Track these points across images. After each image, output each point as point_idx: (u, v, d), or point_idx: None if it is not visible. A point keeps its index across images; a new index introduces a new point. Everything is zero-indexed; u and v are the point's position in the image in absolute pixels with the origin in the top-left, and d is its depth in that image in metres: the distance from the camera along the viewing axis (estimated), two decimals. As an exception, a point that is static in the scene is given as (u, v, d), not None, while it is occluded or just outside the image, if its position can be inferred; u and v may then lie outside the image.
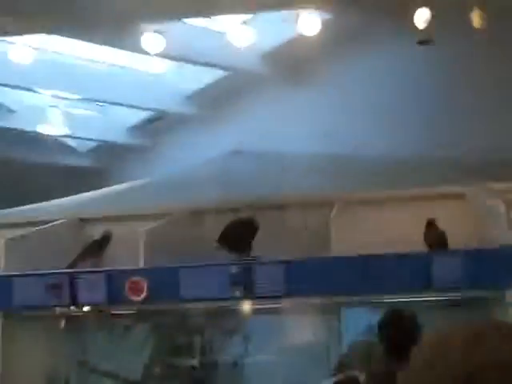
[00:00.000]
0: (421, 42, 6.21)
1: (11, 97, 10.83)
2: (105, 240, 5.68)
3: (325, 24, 8.82)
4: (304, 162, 7.94)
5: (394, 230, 5.20)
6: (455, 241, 4.92)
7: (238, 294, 4.82)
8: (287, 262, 4.80)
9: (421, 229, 5.08)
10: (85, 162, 13.84)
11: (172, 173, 9.23)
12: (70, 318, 5.43)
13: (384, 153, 8.56)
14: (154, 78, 11.72)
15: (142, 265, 5.19)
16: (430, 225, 4.94)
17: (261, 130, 10.60)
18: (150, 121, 12.54)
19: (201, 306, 5.12)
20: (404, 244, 4.82)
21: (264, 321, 5.31)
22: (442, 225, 5.17)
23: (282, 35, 10.00)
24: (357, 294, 4.73)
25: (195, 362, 5.27)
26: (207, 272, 4.97)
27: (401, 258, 4.71)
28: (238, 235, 5.21)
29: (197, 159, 9.51)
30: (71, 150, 13.45)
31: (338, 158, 8.20)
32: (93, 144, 13.31)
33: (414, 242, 4.89)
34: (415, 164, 7.29)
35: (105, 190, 8.10)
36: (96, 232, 5.83)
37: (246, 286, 4.83)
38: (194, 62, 9.95)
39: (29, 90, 9.94)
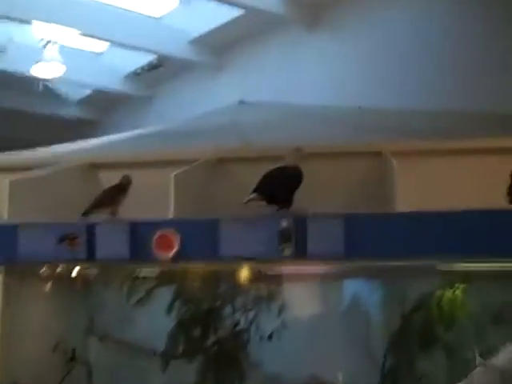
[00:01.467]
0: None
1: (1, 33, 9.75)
2: (124, 186, 4.78)
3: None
4: (320, 114, 7.37)
5: (467, 187, 4.56)
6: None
7: (288, 252, 4.05)
8: (349, 217, 4.03)
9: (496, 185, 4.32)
10: (76, 112, 12.91)
11: (179, 122, 8.33)
12: (85, 276, 4.53)
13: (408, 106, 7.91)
14: (155, 21, 10.71)
15: (171, 216, 4.41)
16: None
17: (272, 80, 9.94)
18: (149, 68, 11.53)
19: (243, 266, 4.38)
20: (480, 202, 4.07)
21: (319, 287, 4.44)
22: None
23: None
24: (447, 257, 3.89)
25: (227, 333, 4.36)
26: (251, 226, 4.21)
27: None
28: (281, 184, 4.51)
29: (199, 111, 8.89)
30: (62, 99, 12.46)
31: (352, 110, 7.46)
32: (86, 92, 12.34)
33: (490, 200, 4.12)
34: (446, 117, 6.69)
35: (111, 136, 7.17)
36: (108, 180, 5.06)
37: (298, 243, 4.08)
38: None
39: (26, 22, 8.80)
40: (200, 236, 4.21)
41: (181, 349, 4.55)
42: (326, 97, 8.94)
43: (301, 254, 4.06)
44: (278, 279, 4.54)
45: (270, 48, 10.20)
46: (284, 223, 4.12)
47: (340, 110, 7.89)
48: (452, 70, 8.41)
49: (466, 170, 4.68)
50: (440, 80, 8.35)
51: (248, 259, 4.17)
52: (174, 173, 4.54)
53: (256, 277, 4.48)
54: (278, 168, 4.68)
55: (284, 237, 4.09)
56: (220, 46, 10.72)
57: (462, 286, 4.36)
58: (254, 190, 4.56)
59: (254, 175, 4.63)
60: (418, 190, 4.38)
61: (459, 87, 8.22)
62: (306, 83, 9.74)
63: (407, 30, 8.81)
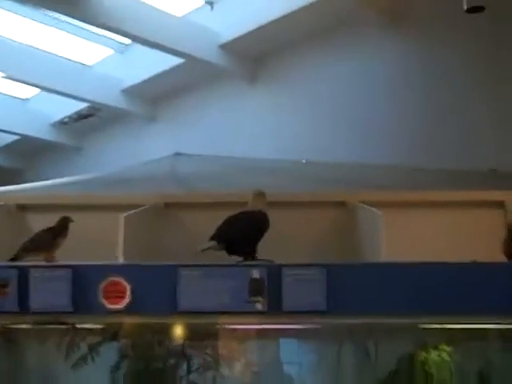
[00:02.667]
0: (470, 10, 5.02)
1: None
2: (61, 228, 4.13)
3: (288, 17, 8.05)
4: (260, 166, 7.08)
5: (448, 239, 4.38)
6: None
7: (259, 306, 3.59)
8: (331, 267, 3.61)
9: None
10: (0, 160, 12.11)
11: (112, 171, 7.84)
12: (16, 331, 3.76)
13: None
14: (87, 68, 10.14)
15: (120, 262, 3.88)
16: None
17: (209, 133, 9.59)
18: (78, 117, 10.87)
19: (205, 320, 3.77)
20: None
21: (286, 345, 3.90)
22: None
23: (243, 24, 8.79)
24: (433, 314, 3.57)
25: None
26: (216, 275, 3.70)
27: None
28: (244, 231, 4.08)
29: (131, 163, 8.53)
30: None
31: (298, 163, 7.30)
32: (11, 138, 11.53)
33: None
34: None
35: (38, 183, 6.73)
36: (38, 223, 4.50)
37: (272, 296, 3.60)
38: (145, 43, 8.46)
39: None
40: (156, 285, 3.68)
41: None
42: (266, 150, 8.53)
43: (275, 308, 3.60)
44: (242, 336, 3.93)
45: (209, 100, 9.81)
46: (255, 273, 3.64)
47: (284, 163, 7.52)
48: (395, 123, 8.15)
49: (447, 222, 4.48)
50: (387, 134, 8.06)
51: (212, 313, 3.66)
52: (125, 214, 4.07)
53: (217, 333, 3.94)
54: (241, 213, 4.22)
55: (256, 289, 3.62)
56: (155, 96, 10.25)
57: (447, 347, 3.85)
58: (212, 237, 4.09)
59: (203, 222, 4.29)
60: (402, 241, 4.11)
61: (406, 141, 7.94)
62: (244, 137, 9.36)
63: (349, 83, 8.55)
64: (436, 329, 3.89)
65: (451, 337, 3.94)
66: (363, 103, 8.56)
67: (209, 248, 4.06)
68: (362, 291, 3.59)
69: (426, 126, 7.81)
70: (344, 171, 6.81)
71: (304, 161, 7.43)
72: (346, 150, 8.35)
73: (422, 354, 3.90)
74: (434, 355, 3.89)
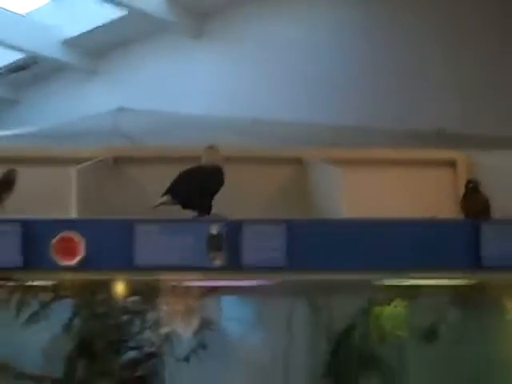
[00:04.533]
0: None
1: None
2: (7, 182, 3.98)
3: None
4: (206, 123, 6.97)
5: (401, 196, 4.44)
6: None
7: (217, 262, 3.52)
8: (291, 224, 3.58)
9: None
10: None
11: (52, 125, 7.56)
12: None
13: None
14: (21, 17, 9.73)
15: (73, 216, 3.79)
16: (473, 189, 3.94)
17: (153, 87, 9.40)
18: (14, 68, 10.44)
19: (162, 277, 3.76)
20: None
21: (245, 302, 3.90)
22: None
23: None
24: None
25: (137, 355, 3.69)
26: (173, 231, 3.62)
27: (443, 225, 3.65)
28: (199, 186, 4.06)
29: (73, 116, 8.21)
30: None
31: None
32: None
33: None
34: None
35: None
36: None
37: (231, 252, 3.55)
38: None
39: None
40: (110, 240, 3.57)
41: (81, 374, 3.75)
42: (212, 107, 8.41)
43: (234, 264, 3.54)
44: (198, 293, 3.95)
45: (152, 54, 9.59)
46: (214, 229, 3.57)
47: (232, 120, 7.44)
48: (343, 83, 8.11)
49: (403, 180, 4.53)
50: (330, 94, 8.02)
51: (170, 269, 3.58)
52: (78, 167, 3.96)
53: (174, 289, 3.90)
54: (196, 167, 4.18)
55: (214, 244, 3.55)
56: (97, 49, 9.96)
57: (401, 301, 3.93)
58: (166, 192, 4.05)
59: (155, 177, 4.29)
60: (361, 198, 4.17)
61: (349, 101, 7.94)
62: (189, 92, 9.19)
63: (297, 37, 8.46)
64: (392, 285, 3.96)
65: (407, 293, 4.03)
66: (311, 59, 8.49)
67: (163, 203, 4.01)
68: (321, 247, 3.57)
69: (375, 84, 7.79)
70: (291, 130, 6.75)
71: (251, 119, 7.43)
72: (292, 108, 8.30)
73: (378, 309, 3.98)
74: (388, 310, 3.94)
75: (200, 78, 9.27)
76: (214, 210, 4.00)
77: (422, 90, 7.50)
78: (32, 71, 10.63)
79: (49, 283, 3.77)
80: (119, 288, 3.87)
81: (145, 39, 9.63)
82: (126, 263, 3.53)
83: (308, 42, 8.41)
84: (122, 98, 9.02)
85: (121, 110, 7.86)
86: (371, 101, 7.90)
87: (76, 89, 10.26)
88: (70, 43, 9.89)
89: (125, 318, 3.89)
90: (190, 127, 7.06)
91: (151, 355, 3.90)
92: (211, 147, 4.22)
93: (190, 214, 4.01)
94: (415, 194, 4.47)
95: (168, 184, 4.07)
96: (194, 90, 9.17)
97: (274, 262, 3.56)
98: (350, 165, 4.35)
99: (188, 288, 3.90)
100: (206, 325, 3.96)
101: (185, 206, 4.05)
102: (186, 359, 3.93)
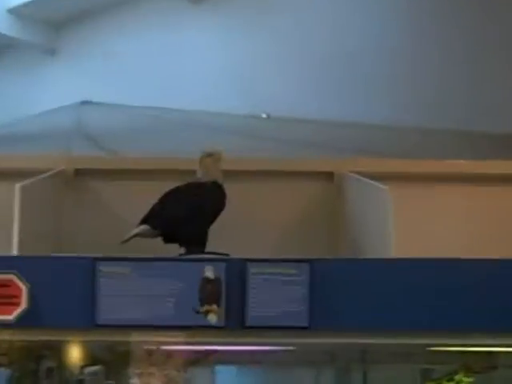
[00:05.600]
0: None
1: None
2: None
3: None
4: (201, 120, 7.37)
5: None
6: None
7: (213, 319, 3.55)
8: (316, 264, 3.58)
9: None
10: None
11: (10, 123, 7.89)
12: None
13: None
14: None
15: (15, 252, 3.80)
16: None
17: (129, 72, 9.54)
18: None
19: (135, 338, 3.73)
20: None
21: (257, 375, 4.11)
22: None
23: None
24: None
25: None
26: (153, 274, 3.63)
27: None
28: (189, 211, 4.08)
29: (23, 107, 8.82)
30: None
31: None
32: None
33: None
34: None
35: None
36: None
37: (232, 305, 3.59)
38: None
39: None
40: (64, 286, 3.62)
41: None
42: (210, 99, 8.45)
43: (236, 322, 3.57)
44: (184, 361, 3.95)
45: (129, 27, 9.74)
46: (209, 272, 3.58)
47: (236, 118, 7.64)
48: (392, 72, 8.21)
49: (463, 200, 4.62)
50: (377, 85, 8.11)
51: (145, 327, 3.59)
52: (21, 183, 4.01)
53: (151, 356, 3.87)
54: (186, 185, 4.20)
55: (209, 294, 3.57)
56: (56, 21, 10.13)
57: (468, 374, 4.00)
58: (144, 220, 4.08)
59: (130, 197, 4.46)
60: (413, 224, 4.30)
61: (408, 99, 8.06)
62: (180, 80, 9.27)
63: (309, 17, 8.57)
64: (454, 352, 3.93)
65: (477, 362, 4.02)
66: (341, 37, 8.57)
67: (138, 234, 4.04)
68: (358, 299, 3.61)
69: (431, 78, 7.90)
70: (320, 131, 6.91)
71: (264, 115, 7.58)
72: (321, 103, 8.33)
73: (436, 384, 3.86)
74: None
75: (195, 61, 9.31)
76: (210, 245, 4.03)
77: (494, 88, 7.61)
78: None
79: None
80: (75, 353, 3.88)
81: (118, 7, 9.80)
82: (84, 319, 3.55)
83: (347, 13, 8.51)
84: (88, 85, 9.10)
85: (86, 103, 8.08)
86: (428, 96, 7.99)
87: (29, 73, 10.37)
88: (19, 12, 10.05)
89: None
90: (177, 126, 7.19)
91: None
92: (209, 155, 4.22)
93: (175, 249, 4.03)
94: (484, 219, 4.53)
95: (147, 207, 4.09)
96: (183, 77, 9.23)
97: (291, 320, 3.58)
98: (398, 180, 4.43)
99: (170, 354, 3.89)
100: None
101: (169, 239, 4.08)
102: None
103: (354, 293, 3.61)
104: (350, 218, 4.43)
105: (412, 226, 4.26)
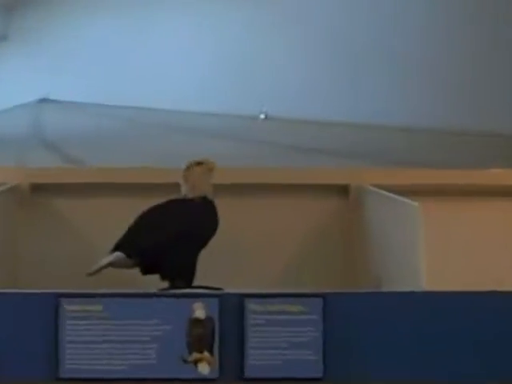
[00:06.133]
0: None
1: None
2: None
3: None
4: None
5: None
6: None
7: (204, 370, 3.51)
8: (329, 297, 3.56)
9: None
10: None
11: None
12: None
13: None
14: None
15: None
16: None
17: (100, 63, 9.57)
18: None
19: None
20: None
21: None
22: None
23: None
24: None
25: None
26: (128, 313, 3.60)
27: None
28: (172, 234, 4.06)
29: None
30: None
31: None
32: None
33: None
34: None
35: None
36: None
37: (228, 353, 3.55)
38: None
39: None
40: (18, 330, 3.58)
41: None
42: (198, 97, 8.48)
43: (232, 373, 3.54)
44: None
45: (98, 8, 9.70)
46: (198, 310, 3.54)
47: (228, 119, 7.72)
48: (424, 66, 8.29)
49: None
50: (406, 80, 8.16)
51: (119, 381, 3.53)
52: None
53: None
54: (168, 202, 4.17)
55: (199, 339, 3.54)
56: (6, 4, 10.10)
57: None
58: (117, 247, 4.07)
59: (99, 218, 4.51)
60: (449, 247, 4.39)
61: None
62: (158, 72, 9.26)
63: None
64: None
65: None
66: (348, 33, 8.63)
67: (110, 264, 4.03)
68: (384, 342, 3.57)
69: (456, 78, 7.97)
70: (333, 135, 6.97)
71: (262, 116, 7.63)
72: (328, 102, 8.37)
73: None
74: None
75: (177, 47, 9.35)
76: (199, 277, 4.01)
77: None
78: None
79: None
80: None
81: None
82: (44, 371, 3.53)
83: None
84: (47, 80, 9.10)
85: (44, 101, 8.09)
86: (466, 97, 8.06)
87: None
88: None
89: None
90: (156, 130, 7.21)
91: None
92: (198, 164, 4.17)
93: (157, 283, 4.02)
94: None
95: (120, 230, 4.08)
96: (163, 71, 9.26)
97: (301, 370, 3.54)
98: (427, 195, 4.45)
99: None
100: None
101: (148, 270, 4.06)
102: None
103: (380, 336, 3.58)
104: (369, 239, 4.45)
105: (447, 249, 4.33)
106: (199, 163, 4.14)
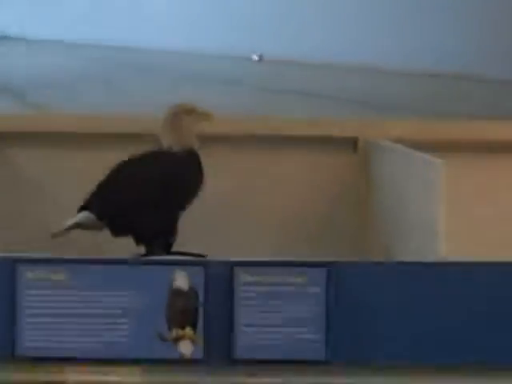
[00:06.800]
0: None
1: None
2: None
3: None
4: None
5: None
6: None
7: (186, 350, 3.49)
8: (333, 267, 3.54)
9: None
10: None
11: None
12: None
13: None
14: None
15: None
16: None
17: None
18: None
19: (72, 377, 3.62)
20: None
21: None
22: None
23: None
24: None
25: None
26: (97, 282, 3.57)
27: None
28: (148, 191, 4.13)
29: None
30: None
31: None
32: None
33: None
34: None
35: None
36: None
37: (214, 331, 3.54)
38: None
39: None
40: None
41: None
42: (182, 35, 8.54)
43: (219, 355, 3.54)
44: None
45: None
46: (180, 279, 3.50)
47: (217, 60, 7.81)
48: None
49: None
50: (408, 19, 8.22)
51: (83, 362, 3.53)
52: None
53: None
54: (145, 155, 4.20)
55: (180, 313, 3.52)
56: None
57: None
58: (85, 206, 4.15)
59: (59, 166, 4.57)
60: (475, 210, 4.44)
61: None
62: (135, 7, 9.28)
63: None
64: None
65: None
66: None
67: (77, 225, 4.09)
68: (396, 319, 3.57)
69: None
70: (327, 77, 7.09)
71: (256, 57, 7.78)
72: (325, 42, 8.44)
73: None
74: None
75: None
76: (181, 243, 4.04)
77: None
78: None
79: None
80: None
81: None
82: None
83: None
84: (7, 13, 9.14)
85: (3, 39, 8.11)
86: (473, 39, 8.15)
87: None
88: None
89: None
90: (134, 72, 7.26)
91: None
92: (186, 111, 4.14)
93: (131, 247, 4.06)
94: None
95: (89, 186, 4.13)
96: (144, 3, 9.30)
97: (300, 351, 3.53)
98: (448, 150, 4.48)
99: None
100: None
101: (121, 232, 4.11)
102: None
103: (392, 312, 3.57)
104: (382, 201, 4.47)
105: (471, 212, 4.35)
106: (189, 110, 4.11)
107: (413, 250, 4.03)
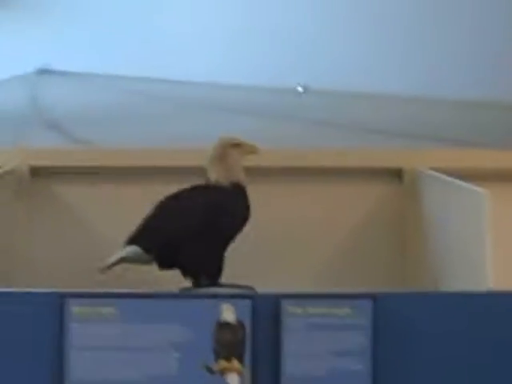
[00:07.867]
0: None
1: None
2: None
3: None
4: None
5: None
6: None
7: (233, 382, 3.36)
8: (380, 298, 3.57)
9: None
10: None
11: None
12: None
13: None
14: None
15: None
16: None
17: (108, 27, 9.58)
18: None
19: None
20: None
21: None
22: None
23: None
24: None
25: None
26: (146, 316, 3.64)
27: None
28: (195, 225, 4.08)
29: None
30: None
31: None
32: None
33: None
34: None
35: None
36: None
37: (260, 361, 3.58)
38: None
39: None
40: (18, 334, 3.61)
41: None
42: (221, 66, 8.48)
43: None
44: None
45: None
46: (227, 312, 3.43)
47: (260, 93, 7.76)
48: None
49: None
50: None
51: None
52: None
53: None
54: (192, 189, 4.20)
55: (227, 345, 3.43)
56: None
57: None
58: (131, 240, 4.11)
59: (111, 208, 4.57)
60: None
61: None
62: (175, 39, 9.25)
63: None
64: None
65: None
66: None
67: (124, 259, 4.06)
68: (443, 350, 3.57)
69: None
70: (381, 109, 6.97)
71: (300, 88, 7.64)
72: (380, 73, 8.37)
73: None
74: None
75: (196, 9, 9.35)
76: (228, 275, 4.02)
77: None
78: None
79: None
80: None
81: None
82: (47, 381, 3.55)
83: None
84: (47, 47, 9.09)
85: (44, 72, 8.11)
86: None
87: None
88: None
89: None
90: (174, 105, 7.23)
91: None
92: (234, 146, 4.16)
93: (178, 280, 4.03)
94: None
95: (135, 220, 4.09)
96: (180, 36, 9.24)
97: (346, 382, 3.55)
98: (497, 181, 4.52)
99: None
100: None
101: (168, 266, 4.08)
102: None
103: (440, 344, 3.58)
104: (427, 231, 4.45)
105: None
106: (235, 145, 4.13)
107: (459, 280, 4.02)
